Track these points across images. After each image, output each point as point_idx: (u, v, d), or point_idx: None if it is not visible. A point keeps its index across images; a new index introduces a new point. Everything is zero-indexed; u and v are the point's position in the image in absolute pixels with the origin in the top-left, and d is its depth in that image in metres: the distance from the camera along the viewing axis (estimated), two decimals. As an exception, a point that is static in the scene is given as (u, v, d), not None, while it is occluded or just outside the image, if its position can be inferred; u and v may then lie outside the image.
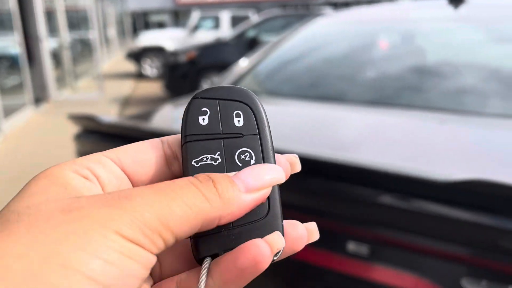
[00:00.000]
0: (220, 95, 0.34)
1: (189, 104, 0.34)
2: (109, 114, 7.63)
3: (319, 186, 1.02)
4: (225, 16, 11.55)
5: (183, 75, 8.31)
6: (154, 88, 10.21)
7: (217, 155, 0.33)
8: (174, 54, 8.59)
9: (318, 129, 1.53)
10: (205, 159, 0.32)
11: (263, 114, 0.34)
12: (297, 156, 0.35)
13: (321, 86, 2.08)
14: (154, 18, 29.84)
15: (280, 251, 0.30)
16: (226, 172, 0.32)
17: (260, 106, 0.34)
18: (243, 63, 2.35)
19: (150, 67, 11.98)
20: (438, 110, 1.63)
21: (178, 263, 0.32)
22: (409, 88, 1.88)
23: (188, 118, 0.34)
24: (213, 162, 0.32)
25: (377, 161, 1.02)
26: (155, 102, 8.71)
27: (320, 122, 1.65)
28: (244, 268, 0.28)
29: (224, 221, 0.29)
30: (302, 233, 0.33)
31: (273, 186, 0.31)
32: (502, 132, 1.42)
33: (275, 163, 0.33)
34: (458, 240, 0.93)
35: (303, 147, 1.14)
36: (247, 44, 8.32)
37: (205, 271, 0.29)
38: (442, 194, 0.92)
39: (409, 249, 0.97)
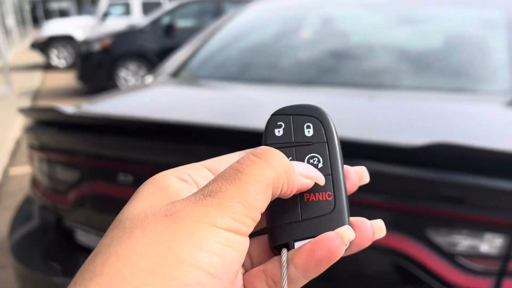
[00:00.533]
0: (293, 112, 0.40)
1: (269, 120, 0.40)
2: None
3: None
4: (135, 2, 11.25)
5: (98, 64, 8.02)
6: (65, 79, 9.75)
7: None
8: (86, 43, 8.23)
9: (255, 106, 1.65)
10: None
11: (332, 125, 0.39)
12: (365, 168, 0.40)
13: (254, 69, 2.22)
14: (55, 6, 28.13)
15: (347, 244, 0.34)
16: None
17: (329, 119, 0.39)
18: (183, 50, 2.42)
19: (58, 58, 11.40)
20: (364, 86, 1.83)
21: (264, 255, 0.36)
22: (336, 68, 2.07)
23: (267, 130, 0.39)
24: None
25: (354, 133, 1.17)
26: (69, 94, 8.35)
27: (259, 100, 1.78)
28: (320, 259, 0.32)
29: (288, 190, 0.34)
30: (369, 230, 0.36)
31: (340, 185, 0.37)
32: (425, 102, 1.64)
33: (342, 168, 0.37)
34: (420, 196, 1.07)
35: (243, 122, 1.26)
36: (163, 31, 8.20)
37: (284, 261, 0.33)
38: (401, 157, 1.07)
39: (380, 207, 1.10)
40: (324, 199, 0.36)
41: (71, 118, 1.38)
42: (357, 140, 1.07)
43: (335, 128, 0.39)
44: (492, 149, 0.98)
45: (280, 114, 0.40)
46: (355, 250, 0.35)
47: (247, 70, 2.21)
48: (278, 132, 0.39)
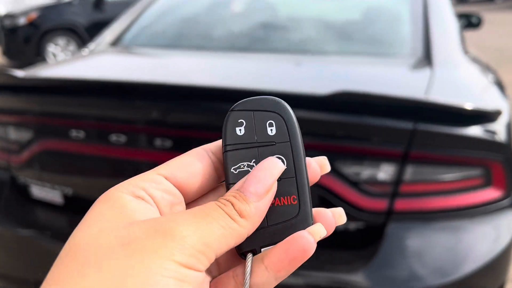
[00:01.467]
0: (254, 107, 0.37)
1: (228, 116, 0.37)
2: None
3: (218, 107, 1.35)
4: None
5: (25, 39, 7.73)
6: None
7: (253, 162, 0.36)
8: (11, 16, 7.89)
9: (196, 70, 1.82)
10: (242, 166, 0.36)
11: (295, 122, 0.38)
12: (326, 158, 0.40)
13: (189, 38, 2.38)
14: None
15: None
16: None
17: (292, 115, 0.38)
18: (121, 20, 2.53)
19: (-23, 33, 10.78)
20: (291, 52, 2.06)
21: (232, 260, 0.36)
22: (266, 37, 2.28)
23: (227, 129, 0.37)
24: (249, 169, 0.36)
25: (261, 86, 1.39)
26: (-5, 70, 8.00)
27: (197, 64, 1.95)
28: (294, 257, 0.33)
29: (250, 233, 0.34)
30: (331, 219, 0.37)
31: (304, 187, 0.36)
32: (343, 64, 1.89)
33: (305, 167, 0.37)
34: (330, 135, 1.29)
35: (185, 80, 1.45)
36: (92, 4, 8.02)
37: (249, 267, 0.34)
38: (319, 104, 1.28)
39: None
40: (289, 203, 0.36)
41: (22, 81, 1.50)
42: (280, 91, 1.30)
43: (298, 125, 0.38)
44: (383, 95, 1.23)
45: (240, 110, 0.38)
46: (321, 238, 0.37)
47: (182, 39, 2.38)
48: (240, 131, 0.37)
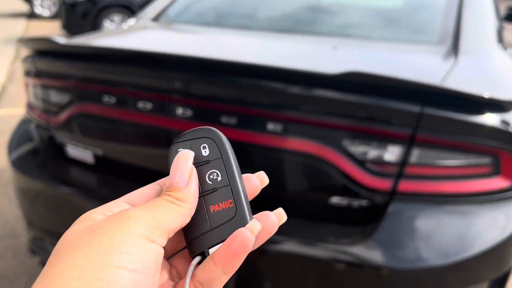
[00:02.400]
0: (191, 137, 0.45)
1: (170, 149, 0.45)
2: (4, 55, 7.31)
3: (245, 84, 1.43)
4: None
5: (83, 14, 8.08)
6: (50, 28, 9.74)
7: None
8: (72, -8, 8.24)
9: (237, 49, 1.90)
10: None
11: (225, 142, 0.45)
12: (263, 172, 0.47)
13: (232, 17, 2.45)
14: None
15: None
16: (201, 190, 0.43)
17: (222, 137, 0.45)
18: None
19: (41, 6, 11.30)
20: (333, 35, 2.09)
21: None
22: (308, 20, 2.31)
23: (170, 159, 0.44)
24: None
25: (284, 64, 1.44)
26: (54, 43, 8.41)
27: (233, 42, 2.03)
28: (236, 251, 0.39)
29: (192, 211, 0.41)
30: (274, 220, 0.43)
31: (238, 191, 0.43)
32: (379, 49, 1.92)
33: (239, 176, 0.44)
34: (339, 114, 1.33)
35: (233, 57, 1.52)
36: (148, -17, 8.23)
37: (192, 267, 0.41)
38: (329, 83, 1.33)
39: (309, 124, 1.36)
40: (226, 207, 0.42)
41: (64, 47, 1.63)
42: (293, 69, 1.35)
43: (228, 144, 0.45)
44: (392, 77, 1.26)
45: (179, 142, 0.45)
46: (267, 237, 0.42)
47: (223, 18, 2.46)
48: None
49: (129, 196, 0.43)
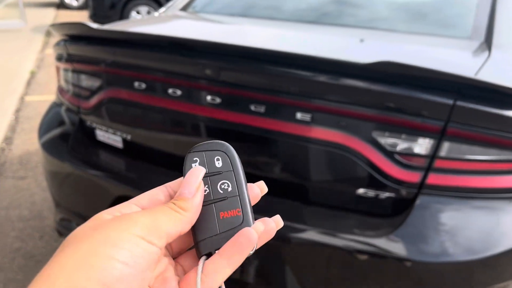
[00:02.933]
0: (206, 148, 0.50)
1: (186, 157, 0.49)
2: (34, 42, 7.44)
3: (274, 72, 1.43)
4: None
5: (110, 5, 8.17)
6: (77, 18, 9.88)
7: (206, 187, 0.48)
8: (101, -18, 8.34)
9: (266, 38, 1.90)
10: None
11: (235, 157, 0.49)
12: (263, 182, 0.51)
13: (258, 8, 2.46)
14: None
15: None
16: (213, 197, 0.48)
17: (233, 152, 0.50)
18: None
19: (71, -4, 11.48)
20: (361, 27, 2.07)
21: (195, 264, 0.48)
22: (334, 12, 2.30)
23: (186, 166, 0.49)
24: (204, 192, 0.48)
25: (314, 52, 1.43)
26: (81, 32, 8.52)
27: (259, 32, 2.03)
28: (241, 245, 0.43)
29: (193, 221, 0.46)
30: (272, 225, 0.48)
31: (246, 202, 0.48)
32: (405, 42, 1.90)
33: (246, 188, 0.49)
34: (371, 105, 1.32)
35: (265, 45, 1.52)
36: (176, -25, 8.26)
37: (201, 263, 0.44)
38: (362, 73, 1.31)
39: (339, 113, 1.35)
40: (235, 215, 0.47)
41: (97, 32, 1.66)
42: (325, 58, 1.35)
43: (238, 158, 0.50)
44: (425, 68, 1.24)
45: (194, 151, 0.50)
46: (267, 239, 0.47)
47: (252, 9, 2.46)
48: (194, 166, 0.49)
49: (138, 199, 0.47)
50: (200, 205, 0.46)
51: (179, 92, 1.55)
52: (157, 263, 0.42)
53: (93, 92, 1.78)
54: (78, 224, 1.88)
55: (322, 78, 1.35)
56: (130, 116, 1.73)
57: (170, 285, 0.44)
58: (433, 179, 1.34)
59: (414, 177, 1.35)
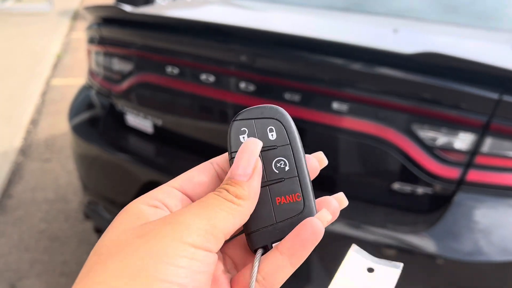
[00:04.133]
0: (255, 115, 0.41)
1: (231, 126, 0.40)
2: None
3: (311, 60, 1.38)
4: None
5: (136, -10, 8.20)
6: (104, 2, 9.93)
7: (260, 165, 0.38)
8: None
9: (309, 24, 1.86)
10: None
11: (293, 126, 0.40)
12: (322, 152, 0.43)
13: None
14: None
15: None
16: (266, 178, 0.39)
17: (290, 120, 0.41)
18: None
19: (96, -18, 11.53)
20: (389, 15, 2.02)
21: (246, 256, 0.40)
22: (368, 1, 2.25)
23: (231, 137, 0.40)
24: None
25: (351, 40, 1.40)
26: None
27: (293, 18, 1.99)
28: (305, 240, 0.36)
29: (251, 210, 0.37)
30: (335, 205, 0.40)
31: (307, 184, 0.39)
32: (438, 31, 1.84)
33: (306, 165, 0.40)
34: (410, 96, 1.28)
35: (308, 32, 1.46)
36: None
37: (258, 259, 0.37)
38: (404, 63, 1.27)
39: (376, 104, 1.32)
40: (294, 200, 0.39)
41: (131, 15, 1.64)
42: (363, 46, 1.31)
43: (296, 128, 0.41)
44: (471, 60, 1.20)
45: (242, 119, 0.41)
46: (330, 221, 0.39)
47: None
48: (243, 138, 0.40)
49: (179, 181, 0.39)
50: (259, 188, 0.38)
51: (212, 79, 1.52)
52: (213, 271, 0.35)
53: (124, 76, 1.77)
54: (106, 208, 1.89)
55: (362, 67, 1.31)
56: (161, 101, 1.72)
57: (222, 285, 0.37)
58: (473, 175, 1.29)
59: (453, 173, 1.30)
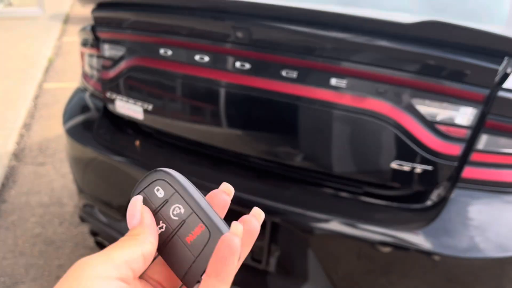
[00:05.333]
0: (142, 187, 0.47)
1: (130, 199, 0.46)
2: (52, 30, 7.47)
3: (308, 33, 1.31)
4: None
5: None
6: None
7: (162, 224, 0.45)
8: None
9: None
10: (159, 228, 0.45)
11: (173, 175, 0.46)
12: (227, 183, 0.48)
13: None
14: None
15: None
16: (172, 229, 0.45)
17: (169, 172, 0.46)
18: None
19: (87, -15, 11.47)
20: None
21: (172, 277, 0.47)
22: None
23: None
24: (162, 229, 0.45)
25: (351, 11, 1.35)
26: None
27: None
28: (223, 256, 0.39)
29: (153, 241, 0.44)
30: (254, 223, 0.44)
31: (205, 213, 0.44)
32: None
33: (200, 200, 0.45)
34: (411, 69, 1.23)
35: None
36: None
37: None
38: (404, 33, 1.22)
39: (374, 78, 1.27)
40: (200, 232, 0.43)
41: None
42: (360, 16, 1.27)
43: (179, 174, 0.46)
44: (474, 28, 1.15)
45: (136, 193, 0.47)
46: (252, 240, 0.44)
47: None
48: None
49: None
50: (152, 224, 0.44)
51: (206, 58, 1.49)
52: None
53: (116, 61, 1.73)
54: (101, 211, 1.88)
55: (360, 38, 1.26)
56: (152, 85, 1.67)
57: None
58: (469, 172, 1.29)
59: (455, 149, 1.27)
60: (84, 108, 1.97)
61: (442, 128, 1.27)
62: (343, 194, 1.47)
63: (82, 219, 2.04)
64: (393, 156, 1.32)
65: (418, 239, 1.27)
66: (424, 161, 1.29)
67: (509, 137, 1.25)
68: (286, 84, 1.38)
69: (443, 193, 1.34)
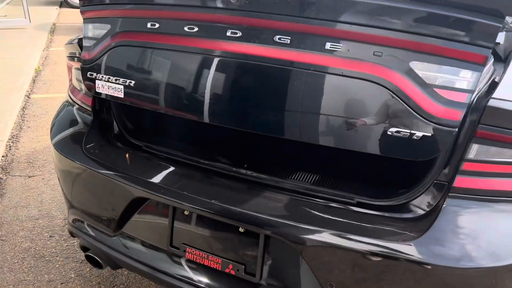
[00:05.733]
0: None
1: None
2: (39, 40, 7.42)
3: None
4: None
5: None
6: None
7: None
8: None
9: None
10: None
11: None
12: None
13: None
14: None
15: None
16: None
17: None
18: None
19: (74, -6, 11.42)
20: None
21: None
22: None
23: None
24: None
25: None
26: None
27: None
28: None
29: None
30: None
31: None
32: None
33: None
34: (409, 29, 1.19)
35: None
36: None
37: None
38: None
39: (370, 40, 1.23)
40: None
41: None
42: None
43: None
44: None
45: None
46: None
47: None
48: None
49: None
50: None
51: (190, 28, 1.45)
52: None
53: (98, 40, 1.70)
54: (90, 225, 1.85)
55: None
56: (134, 62, 1.63)
57: None
58: (461, 182, 1.30)
59: (455, 115, 1.22)
60: (73, 123, 1.95)
61: (441, 92, 1.22)
62: (335, 205, 1.47)
63: (72, 234, 2.01)
64: (391, 122, 1.27)
65: (411, 249, 1.27)
66: (423, 127, 1.24)
67: (500, 146, 1.26)
68: (281, 49, 1.35)
69: (435, 202, 1.35)
